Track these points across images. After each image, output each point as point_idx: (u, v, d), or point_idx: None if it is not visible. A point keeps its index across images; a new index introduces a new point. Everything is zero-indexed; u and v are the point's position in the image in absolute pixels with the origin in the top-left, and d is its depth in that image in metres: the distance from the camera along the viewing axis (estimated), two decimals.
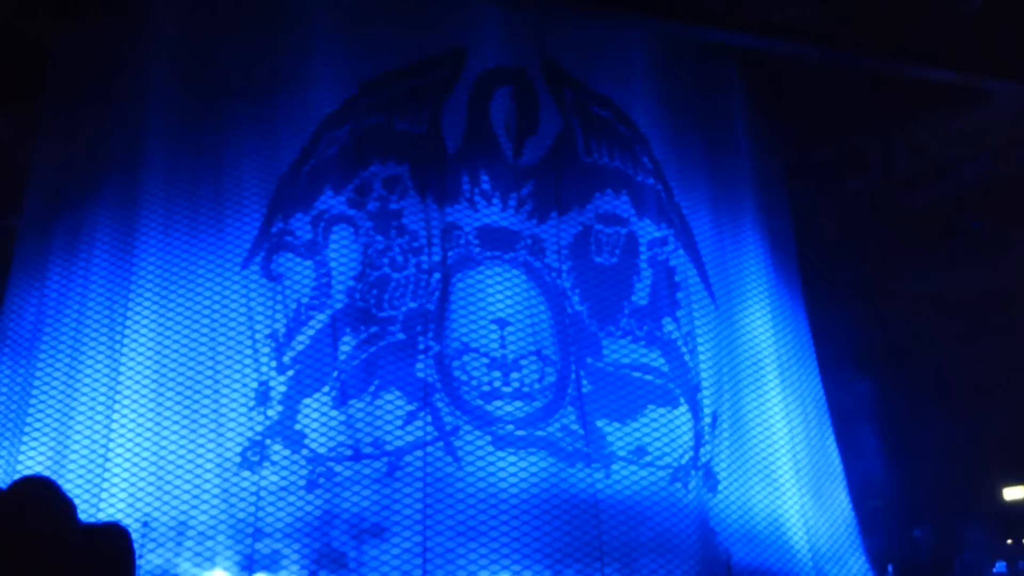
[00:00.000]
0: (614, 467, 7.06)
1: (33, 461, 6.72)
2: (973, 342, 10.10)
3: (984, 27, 7.92)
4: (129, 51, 7.59)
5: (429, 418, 6.82)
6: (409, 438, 6.77)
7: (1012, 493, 10.58)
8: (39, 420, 6.83)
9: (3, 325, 7.32)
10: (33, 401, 6.90)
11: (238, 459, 6.68)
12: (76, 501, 6.70)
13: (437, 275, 7.16)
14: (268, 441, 6.73)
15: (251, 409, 6.78)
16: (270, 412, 6.80)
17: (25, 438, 6.81)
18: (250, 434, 6.73)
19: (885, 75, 8.58)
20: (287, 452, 6.72)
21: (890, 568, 7.95)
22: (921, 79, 8.32)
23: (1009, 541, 10.72)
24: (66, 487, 6.74)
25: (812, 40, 7.84)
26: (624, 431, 7.17)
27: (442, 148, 7.43)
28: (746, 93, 8.71)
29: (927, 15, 7.90)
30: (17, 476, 6.46)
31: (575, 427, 7.06)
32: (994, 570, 10.22)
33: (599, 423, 7.14)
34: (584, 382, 7.20)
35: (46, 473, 6.64)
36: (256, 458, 6.68)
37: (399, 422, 6.79)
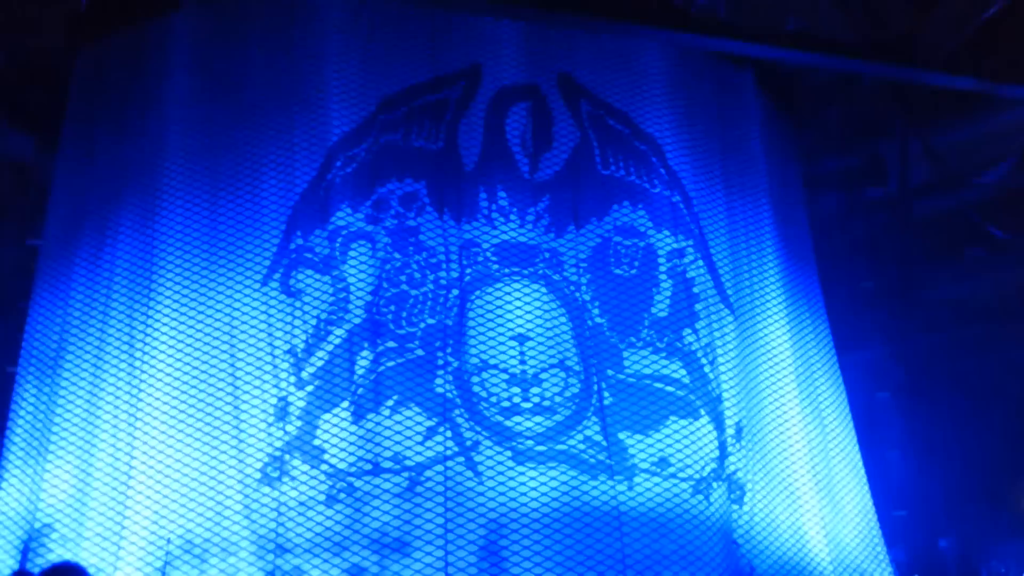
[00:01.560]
0: (636, 479, 7.04)
1: (59, 479, 6.77)
2: (995, 349, 10.03)
3: (1002, 33, 7.89)
4: (149, 70, 7.67)
5: (449, 433, 6.82)
6: (429, 453, 6.77)
7: None
8: (63, 439, 6.88)
9: (27, 344, 7.39)
10: (57, 419, 6.96)
11: (258, 475, 6.70)
12: (101, 519, 6.74)
13: (455, 291, 7.17)
14: (287, 456, 6.75)
15: (270, 425, 6.80)
16: (289, 428, 6.82)
17: (50, 456, 6.86)
18: (270, 449, 6.76)
19: (902, 83, 8.55)
20: (306, 467, 6.74)
21: None
22: (939, 87, 8.28)
23: None
24: (91, 505, 6.79)
25: (827, 50, 7.82)
26: (647, 443, 7.14)
27: (459, 165, 7.45)
28: (763, 103, 8.70)
29: (943, 23, 7.87)
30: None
31: (598, 438, 7.04)
32: None
33: (621, 435, 7.12)
34: (606, 394, 7.18)
35: (72, 492, 6.70)
36: (276, 474, 6.70)
37: (419, 437, 6.79)
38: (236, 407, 6.83)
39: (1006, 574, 9.58)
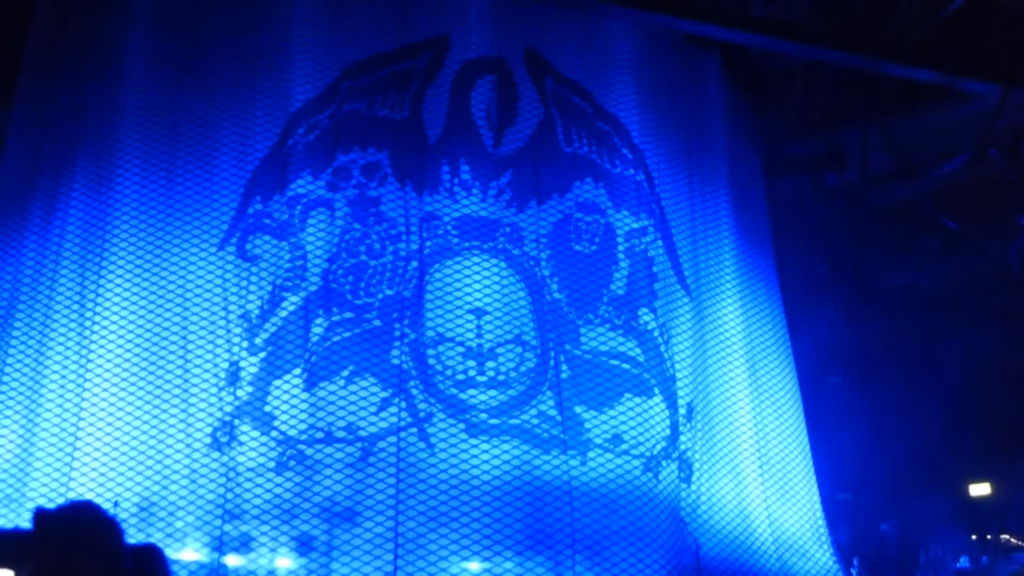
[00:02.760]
0: (590, 454, 7.10)
1: (4, 439, 6.68)
2: (944, 338, 10.21)
3: (964, 28, 7.98)
4: (108, 26, 7.50)
5: (403, 404, 6.82)
6: (383, 424, 6.77)
7: (977, 489, 10.72)
8: (10, 398, 6.78)
9: None
10: (4, 378, 6.85)
11: (208, 439, 6.66)
12: (46, 480, 6.67)
13: (415, 263, 7.16)
14: (237, 422, 6.72)
15: (221, 389, 6.76)
16: (240, 393, 6.78)
17: None
18: (219, 414, 6.72)
19: (865, 72, 8.62)
20: (256, 433, 6.71)
21: (856, 561, 8.03)
22: (901, 77, 8.36)
23: (974, 536, 10.87)
24: (35, 465, 6.70)
25: (793, 36, 7.86)
26: (601, 418, 7.20)
27: (423, 136, 7.41)
28: (726, 86, 8.73)
29: (908, 14, 7.94)
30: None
31: (552, 413, 7.08)
32: (958, 565, 10.36)
33: (577, 409, 7.17)
34: (564, 367, 7.22)
35: (17, 452, 6.61)
36: (225, 439, 6.66)
37: (373, 408, 6.79)
38: (187, 370, 6.77)
39: (944, 558, 9.80)
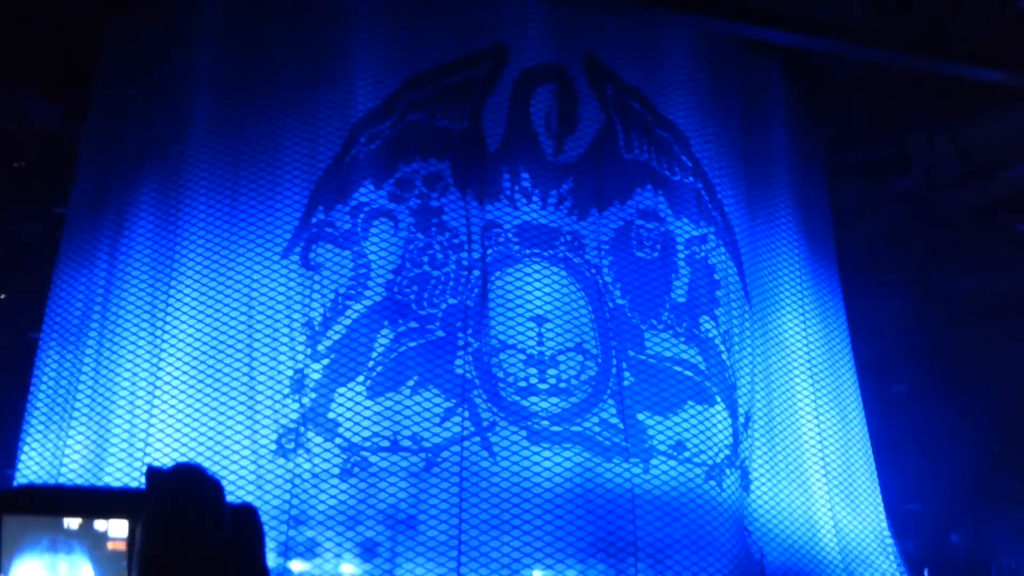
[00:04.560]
0: (653, 461, 7.07)
1: (79, 446, 6.85)
2: (1014, 345, 9.97)
3: None
4: (177, 41, 7.69)
5: (467, 414, 6.87)
6: (446, 434, 6.82)
7: None
8: (84, 407, 6.96)
9: (51, 312, 7.46)
10: (80, 385, 7.03)
11: (273, 446, 6.76)
12: (118, 485, 6.79)
13: (476, 272, 7.20)
14: (303, 429, 6.81)
15: (286, 396, 6.86)
16: (304, 400, 6.88)
17: (72, 421, 6.94)
18: (285, 421, 6.82)
19: (930, 74, 8.48)
20: (320, 440, 6.79)
21: (926, 572, 7.89)
22: (967, 79, 8.21)
23: None
24: (108, 471, 6.86)
25: (855, 39, 7.76)
26: (665, 424, 7.18)
27: (483, 145, 7.46)
28: (788, 91, 8.66)
29: (974, 14, 7.79)
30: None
31: (614, 421, 7.08)
32: None
33: (640, 416, 7.15)
34: (626, 375, 7.21)
35: (91, 459, 6.78)
36: (291, 445, 6.76)
37: (437, 419, 6.84)
38: (252, 377, 6.89)
39: (1017, 570, 9.57)
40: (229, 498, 6.55)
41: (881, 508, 8.20)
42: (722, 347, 7.61)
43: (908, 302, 9.57)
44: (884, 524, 8.14)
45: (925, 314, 9.48)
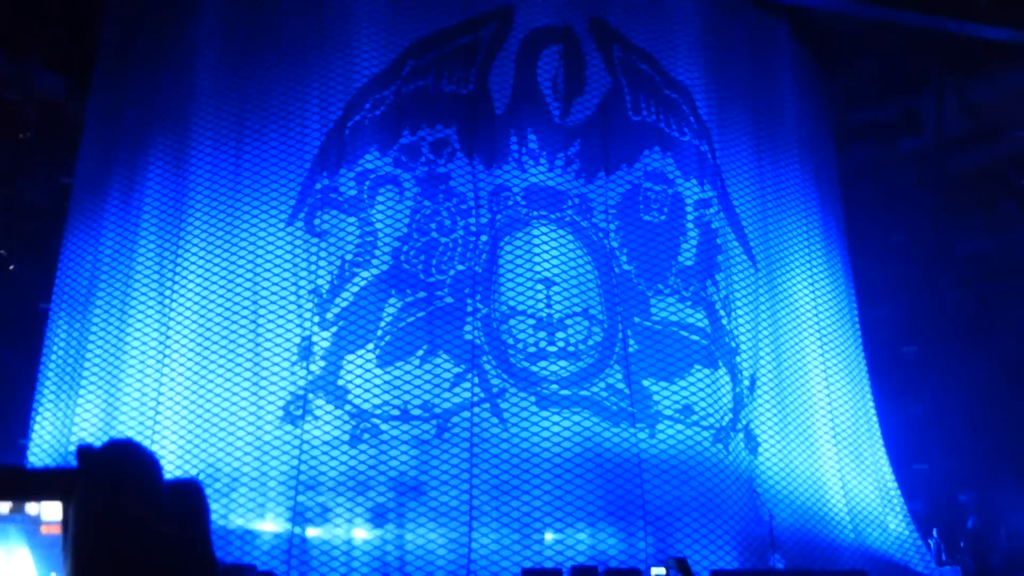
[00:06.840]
0: (659, 426, 7.08)
1: (89, 414, 6.89)
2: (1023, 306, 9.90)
3: None
4: (181, 10, 7.66)
5: (476, 379, 6.88)
6: (456, 400, 6.84)
7: None
8: (94, 374, 6.99)
9: (60, 281, 7.48)
10: (88, 355, 7.06)
11: (280, 412, 6.79)
12: None
13: (485, 237, 7.19)
14: (311, 396, 6.83)
15: (294, 364, 6.88)
16: (312, 367, 6.89)
17: (81, 390, 6.97)
18: (292, 388, 6.84)
19: (938, 33, 8.38)
20: (330, 407, 6.81)
21: (935, 532, 7.90)
22: (975, 37, 8.11)
23: None
24: (119, 435, 6.92)
25: None
26: (671, 389, 7.19)
27: (490, 108, 7.42)
28: (795, 52, 8.58)
29: None
30: (75, 429, 6.64)
31: (621, 386, 7.08)
32: None
33: (645, 382, 7.15)
34: (631, 341, 7.21)
35: (99, 424, 6.82)
36: (299, 412, 6.78)
37: (447, 384, 6.86)
38: (257, 343, 6.90)
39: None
40: (235, 463, 6.60)
41: (889, 468, 8.21)
42: (722, 312, 7.60)
43: (918, 263, 9.51)
44: (893, 485, 8.15)
45: (935, 274, 9.43)
